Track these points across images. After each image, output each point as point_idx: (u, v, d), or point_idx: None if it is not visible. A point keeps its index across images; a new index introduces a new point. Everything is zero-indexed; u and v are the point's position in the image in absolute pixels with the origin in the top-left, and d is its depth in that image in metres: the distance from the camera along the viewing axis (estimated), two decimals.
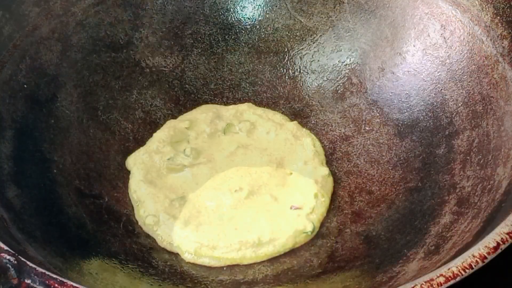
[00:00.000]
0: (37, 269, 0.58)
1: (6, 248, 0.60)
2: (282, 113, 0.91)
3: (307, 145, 0.85)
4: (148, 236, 0.79)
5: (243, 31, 0.95)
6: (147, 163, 0.84)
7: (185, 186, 0.82)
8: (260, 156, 0.85)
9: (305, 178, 0.82)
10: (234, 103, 0.91)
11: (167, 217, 0.79)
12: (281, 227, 0.78)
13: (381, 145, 0.86)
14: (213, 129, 0.87)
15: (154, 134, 0.87)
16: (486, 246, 0.60)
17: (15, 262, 0.58)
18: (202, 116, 0.88)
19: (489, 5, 0.81)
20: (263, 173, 0.83)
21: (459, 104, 0.81)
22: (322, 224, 0.81)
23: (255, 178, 0.82)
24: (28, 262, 0.59)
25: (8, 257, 0.58)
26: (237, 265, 0.77)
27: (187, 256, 0.77)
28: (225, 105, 0.91)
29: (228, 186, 0.81)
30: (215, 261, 0.77)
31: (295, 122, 0.89)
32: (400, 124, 0.86)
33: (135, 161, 0.84)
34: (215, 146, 0.86)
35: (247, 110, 0.89)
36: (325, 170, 0.84)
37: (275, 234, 0.77)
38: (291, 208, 0.80)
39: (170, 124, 0.88)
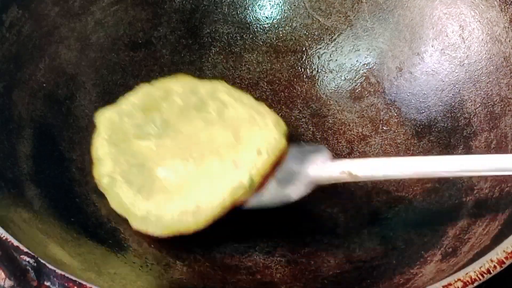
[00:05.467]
0: (56, 271, 0.59)
1: (25, 250, 0.60)
2: (299, 112, 0.91)
3: (269, 119, 0.83)
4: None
5: (261, 30, 0.95)
6: (115, 123, 0.83)
7: (147, 155, 0.81)
8: (221, 130, 0.83)
9: (255, 138, 0.80)
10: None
11: (122, 181, 0.79)
12: (220, 187, 0.77)
13: (398, 145, 0.86)
14: (185, 104, 0.86)
15: (128, 96, 0.86)
16: (504, 251, 0.60)
17: (35, 264, 0.59)
18: (178, 88, 0.87)
19: (508, 6, 0.80)
20: (218, 140, 0.81)
21: (477, 105, 0.81)
22: (337, 224, 0.81)
23: (210, 142, 0.81)
24: (47, 264, 0.59)
25: (27, 259, 0.59)
26: (254, 265, 0.78)
27: (134, 224, 0.77)
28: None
29: (183, 155, 0.81)
30: (160, 230, 0.76)
31: (264, 106, 0.86)
32: (417, 125, 0.86)
33: (105, 118, 0.83)
34: (184, 121, 0.84)
35: (221, 89, 0.86)
36: (277, 134, 0.80)
37: (213, 196, 0.76)
38: (233, 163, 0.78)
39: (144, 89, 0.86)
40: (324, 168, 0.76)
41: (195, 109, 0.84)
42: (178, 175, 0.79)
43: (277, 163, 0.78)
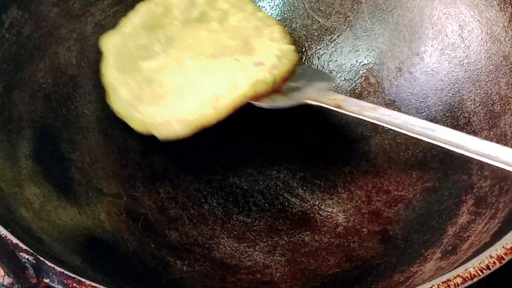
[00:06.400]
0: (55, 268, 0.59)
1: (25, 247, 0.60)
2: (299, 112, 0.91)
3: (275, 29, 0.86)
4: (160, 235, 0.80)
5: None
6: (120, 48, 0.84)
7: (157, 69, 0.82)
8: (229, 38, 0.85)
9: (269, 48, 0.83)
10: (253, 104, 0.91)
11: (138, 103, 0.80)
12: (242, 79, 0.79)
13: (398, 144, 0.86)
14: (186, 17, 0.87)
15: (129, 17, 0.87)
16: (503, 247, 0.60)
17: (34, 261, 0.59)
18: (176, 2, 0.88)
19: (507, 5, 0.80)
20: (227, 46, 0.83)
21: (477, 104, 0.81)
22: (337, 224, 0.81)
23: (220, 47, 0.83)
24: (46, 262, 0.59)
25: (27, 256, 0.59)
26: (254, 265, 0.78)
27: (160, 135, 0.78)
28: None
29: (195, 55, 0.82)
30: (184, 129, 0.78)
31: (264, 12, 0.90)
32: None
33: (108, 44, 0.84)
34: (188, 34, 0.85)
35: None
36: (290, 47, 0.84)
37: (233, 87, 0.79)
38: (253, 63, 0.81)
39: (145, 7, 0.88)
40: (320, 92, 0.81)
41: (197, 21, 0.86)
42: (190, 73, 0.80)
43: (291, 72, 0.83)
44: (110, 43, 0.84)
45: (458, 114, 0.83)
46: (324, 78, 0.85)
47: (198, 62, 0.81)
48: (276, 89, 0.81)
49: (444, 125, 0.82)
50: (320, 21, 0.94)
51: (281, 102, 0.80)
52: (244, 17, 0.86)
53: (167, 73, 0.81)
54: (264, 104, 0.80)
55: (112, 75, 0.82)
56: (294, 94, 0.81)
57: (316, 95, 0.80)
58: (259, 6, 0.96)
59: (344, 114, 0.88)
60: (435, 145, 0.83)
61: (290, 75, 0.82)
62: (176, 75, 0.81)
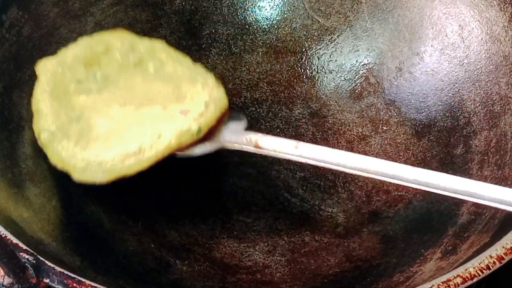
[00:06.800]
0: (55, 268, 0.59)
1: (25, 247, 0.60)
2: (299, 113, 0.91)
3: (209, 77, 0.83)
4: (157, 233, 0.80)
5: (261, 31, 0.95)
6: (57, 76, 0.82)
7: (86, 108, 0.80)
8: (162, 85, 0.82)
9: (199, 94, 0.80)
10: (252, 103, 0.91)
11: (61, 136, 0.77)
12: (166, 131, 0.76)
13: (398, 145, 0.86)
14: (124, 60, 0.85)
15: (69, 47, 0.84)
16: (503, 247, 0.60)
17: (34, 261, 0.59)
18: (118, 44, 0.86)
19: (507, 5, 0.80)
20: (158, 94, 0.81)
21: (477, 104, 0.81)
22: (337, 224, 0.81)
23: (151, 93, 0.81)
24: (46, 262, 0.59)
25: (27, 256, 0.59)
26: (254, 264, 0.78)
27: (76, 176, 0.76)
28: (231, 96, 0.89)
29: (123, 103, 0.80)
30: (102, 176, 0.75)
31: (201, 65, 0.86)
32: (417, 124, 0.86)
33: (47, 70, 0.82)
34: (123, 76, 0.83)
35: (160, 48, 0.86)
36: (220, 92, 0.81)
37: (157, 138, 0.76)
38: (180, 113, 0.78)
39: (85, 42, 0.85)
40: (235, 134, 0.78)
41: (134, 66, 0.84)
42: (117, 121, 0.78)
43: (220, 119, 0.79)
44: (48, 68, 0.82)
45: (458, 114, 0.83)
46: (238, 118, 0.82)
47: (127, 110, 0.79)
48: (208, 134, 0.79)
49: (444, 125, 0.83)
50: (320, 21, 0.94)
51: (197, 149, 0.78)
52: (181, 67, 0.85)
53: (97, 116, 0.79)
54: (181, 153, 0.78)
55: (44, 100, 0.80)
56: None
57: (234, 138, 0.78)
58: (259, 6, 0.96)
59: (343, 113, 0.89)
60: (435, 145, 0.83)
61: (219, 123, 0.79)
62: (104, 120, 0.78)
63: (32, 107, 0.80)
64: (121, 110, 0.78)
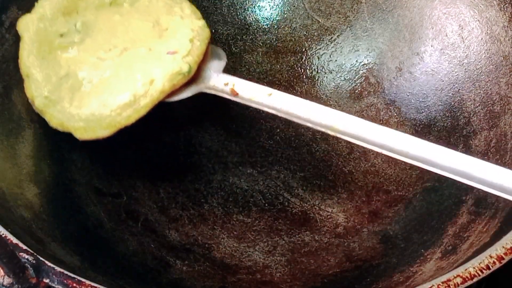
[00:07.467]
0: (55, 268, 0.59)
1: (25, 247, 0.60)
2: None
3: (184, 5, 0.84)
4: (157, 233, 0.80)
5: (261, 31, 0.95)
6: (40, 33, 0.81)
7: (73, 63, 0.80)
8: (141, 20, 0.83)
9: (180, 28, 0.81)
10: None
11: (55, 99, 0.78)
12: (157, 75, 0.77)
13: None
14: (100, 1, 0.85)
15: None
16: (503, 247, 0.60)
17: (34, 261, 0.59)
18: None
19: (507, 5, 0.80)
20: (139, 31, 0.82)
21: (477, 104, 0.81)
22: (337, 224, 0.81)
23: (132, 33, 0.81)
24: (46, 262, 0.59)
25: (26, 256, 0.59)
26: (254, 265, 0.78)
27: (79, 135, 0.77)
28: None
29: (107, 50, 0.80)
30: (104, 131, 0.76)
31: None
32: (417, 124, 0.86)
33: (29, 28, 0.81)
34: (102, 19, 0.83)
35: None
36: (200, 22, 0.82)
37: (150, 85, 0.77)
38: (167, 54, 0.79)
39: None
40: (217, 73, 0.80)
41: (109, 4, 0.84)
42: (105, 69, 0.79)
43: (206, 54, 0.80)
44: (29, 25, 0.81)
45: (458, 114, 0.83)
46: (218, 54, 0.83)
47: (112, 55, 0.79)
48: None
49: (444, 125, 0.83)
50: (320, 21, 0.94)
51: (185, 93, 0.79)
52: None
53: (84, 68, 0.79)
54: (169, 99, 0.79)
55: (32, 63, 0.80)
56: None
57: (215, 79, 0.80)
58: (259, 6, 0.96)
59: None
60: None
61: (204, 60, 0.80)
62: (92, 71, 0.79)
63: (21, 71, 0.80)
64: (106, 56, 0.79)
